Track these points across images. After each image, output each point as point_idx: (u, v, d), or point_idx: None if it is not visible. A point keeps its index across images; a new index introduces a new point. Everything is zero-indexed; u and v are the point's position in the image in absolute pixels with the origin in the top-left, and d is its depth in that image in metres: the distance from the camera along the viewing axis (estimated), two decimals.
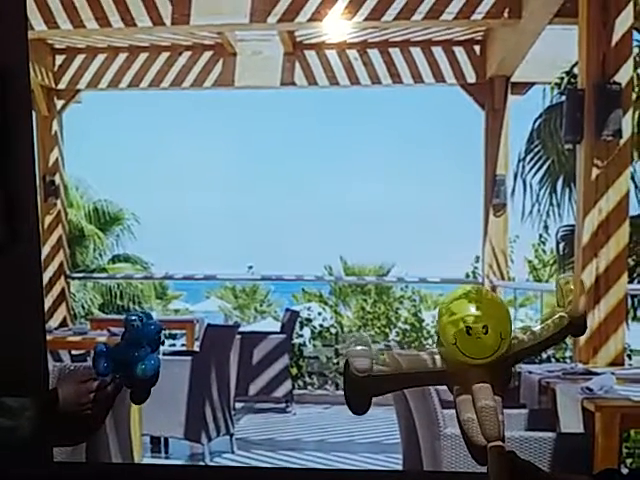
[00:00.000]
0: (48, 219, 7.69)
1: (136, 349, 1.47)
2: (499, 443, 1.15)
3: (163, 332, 1.53)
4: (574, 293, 1.24)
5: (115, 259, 14.25)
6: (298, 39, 7.05)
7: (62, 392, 1.46)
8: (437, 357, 1.21)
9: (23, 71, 1.80)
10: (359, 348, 1.19)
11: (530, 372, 4.14)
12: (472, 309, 1.18)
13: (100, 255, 13.82)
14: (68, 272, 7.96)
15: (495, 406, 1.17)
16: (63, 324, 7.53)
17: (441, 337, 1.20)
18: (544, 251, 9.32)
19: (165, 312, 15.62)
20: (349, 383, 1.19)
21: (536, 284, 9.62)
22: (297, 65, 7.18)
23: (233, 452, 5.68)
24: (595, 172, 4.47)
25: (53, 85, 7.51)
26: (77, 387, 1.47)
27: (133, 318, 1.48)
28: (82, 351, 6.14)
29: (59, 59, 7.48)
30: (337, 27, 6.42)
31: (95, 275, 12.73)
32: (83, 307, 12.28)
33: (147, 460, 5.31)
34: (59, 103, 7.68)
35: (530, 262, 9.64)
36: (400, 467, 4.43)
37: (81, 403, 1.46)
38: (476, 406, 1.16)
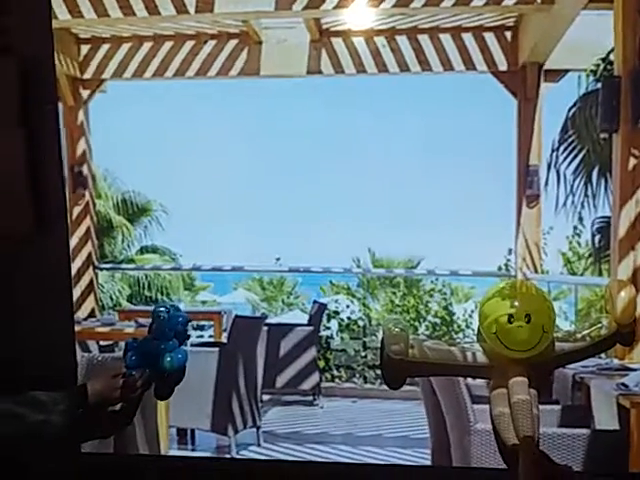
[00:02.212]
0: (76, 210, 7.75)
1: (163, 341, 1.49)
2: (530, 441, 1.14)
3: (190, 324, 1.55)
4: (624, 300, 1.21)
5: (143, 250, 14.36)
6: (324, 26, 7.04)
7: (92, 386, 1.49)
8: (469, 353, 1.21)
9: (48, 61, 1.82)
10: (396, 331, 1.21)
11: (563, 367, 4.09)
12: (515, 301, 1.17)
13: (128, 246, 13.94)
14: (96, 263, 8.02)
15: (530, 400, 1.16)
16: (91, 315, 7.59)
17: (481, 328, 1.19)
18: (579, 243, 9.25)
19: (193, 303, 15.72)
20: (385, 363, 1.24)
21: (570, 277, 9.56)
22: (323, 53, 7.16)
23: (259, 445, 5.71)
24: (632, 162, 4.41)
25: (78, 75, 7.56)
26: (106, 382, 1.50)
27: (160, 309, 1.51)
28: (110, 342, 6.19)
29: (84, 49, 7.52)
30: (364, 14, 6.40)
31: (123, 266, 12.85)
32: (111, 298, 12.39)
33: (173, 452, 5.35)
34: (85, 93, 7.73)
35: (564, 255, 9.58)
36: (429, 462, 4.42)
37: (111, 397, 1.49)
38: (510, 401, 1.17)
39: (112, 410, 1.51)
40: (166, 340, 1.50)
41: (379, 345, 1.26)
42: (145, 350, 1.50)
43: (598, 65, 6.65)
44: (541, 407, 1.21)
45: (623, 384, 3.45)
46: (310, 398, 7.23)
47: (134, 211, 14.05)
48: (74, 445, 1.66)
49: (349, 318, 8.44)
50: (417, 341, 1.23)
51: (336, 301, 8.85)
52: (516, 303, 1.18)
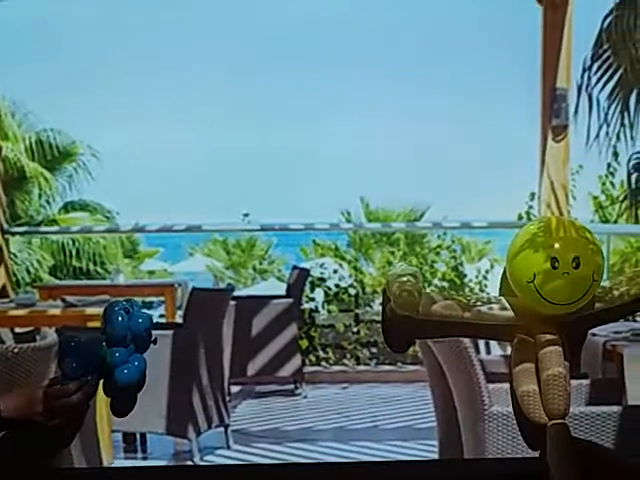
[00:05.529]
0: None
1: (118, 349, 1.46)
2: (562, 421, 1.20)
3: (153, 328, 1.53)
4: None
5: (68, 207, 14.34)
6: None
7: (6, 400, 1.41)
8: (487, 313, 1.25)
9: None
10: (405, 281, 1.25)
11: (593, 334, 4.19)
12: (558, 243, 1.20)
13: (48, 202, 13.91)
14: (6, 226, 8.03)
15: (566, 375, 1.21)
16: (2, 294, 7.64)
17: (511, 277, 1.23)
18: (612, 184, 9.38)
19: (136, 274, 15.77)
20: (388, 321, 1.28)
21: (602, 225, 9.70)
22: None
23: (229, 447, 5.88)
24: None
25: None
26: (29, 393, 1.43)
27: (117, 309, 1.47)
28: (29, 328, 6.23)
29: None
30: None
31: (42, 229, 12.80)
32: (28, 271, 12.44)
33: (119, 462, 5.45)
34: None
35: (596, 198, 9.73)
36: (436, 455, 4.59)
37: (32, 413, 1.40)
38: (543, 374, 1.21)
39: (39, 432, 1.41)
40: (121, 347, 1.46)
41: (381, 299, 1.28)
42: (90, 356, 1.45)
43: None
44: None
45: None
46: (291, 387, 7.41)
47: (54, 156, 13.98)
48: None
49: (337, 286, 8.57)
50: (426, 298, 1.24)
51: (321, 265, 8.96)
52: (558, 245, 1.20)
